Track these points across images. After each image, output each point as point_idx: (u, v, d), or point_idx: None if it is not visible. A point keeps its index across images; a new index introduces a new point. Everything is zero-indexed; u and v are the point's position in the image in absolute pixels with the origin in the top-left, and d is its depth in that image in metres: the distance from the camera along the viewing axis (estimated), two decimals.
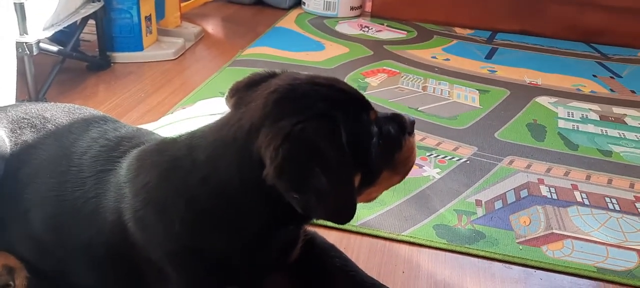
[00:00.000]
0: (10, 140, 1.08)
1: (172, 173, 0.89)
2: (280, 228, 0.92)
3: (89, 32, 2.32)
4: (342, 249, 1.12)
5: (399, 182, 0.97)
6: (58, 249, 1.02)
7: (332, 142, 0.79)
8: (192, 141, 0.91)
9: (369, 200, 0.96)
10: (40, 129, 1.10)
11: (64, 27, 1.95)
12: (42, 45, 1.79)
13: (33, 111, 1.14)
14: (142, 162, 0.95)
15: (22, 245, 1.06)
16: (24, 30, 1.72)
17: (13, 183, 1.04)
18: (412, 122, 0.96)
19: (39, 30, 1.79)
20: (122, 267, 0.97)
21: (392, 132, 0.92)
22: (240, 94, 0.92)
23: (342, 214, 0.83)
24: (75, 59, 2.13)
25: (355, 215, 1.29)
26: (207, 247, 0.88)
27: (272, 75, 0.93)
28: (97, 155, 1.02)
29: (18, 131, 1.09)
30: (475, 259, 1.24)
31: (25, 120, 1.12)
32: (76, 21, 2.04)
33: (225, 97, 0.95)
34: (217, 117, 0.94)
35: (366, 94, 2.00)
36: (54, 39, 2.03)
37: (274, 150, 0.78)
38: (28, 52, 1.71)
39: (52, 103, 1.22)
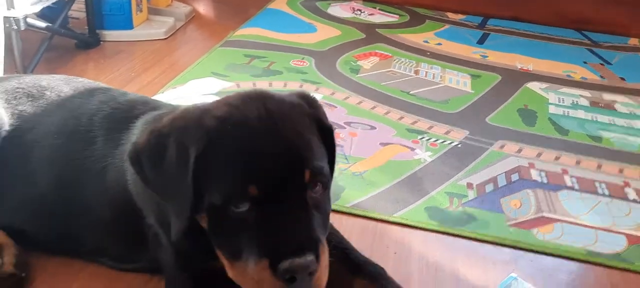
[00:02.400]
0: (7, 110, 1.08)
1: None
2: None
3: (78, 9, 2.29)
4: None
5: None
6: (63, 209, 1.03)
7: (177, 156, 0.79)
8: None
9: (229, 275, 0.82)
10: (39, 97, 1.12)
11: (52, 3, 1.91)
12: (29, 20, 1.76)
13: (28, 81, 1.15)
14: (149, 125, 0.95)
15: (24, 211, 1.06)
16: (11, 5, 1.69)
17: (16, 150, 1.05)
18: (290, 270, 0.73)
19: (27, 5, 1.75)
20: (124, 227, 0.99)
21: (263, 239, 0.75)
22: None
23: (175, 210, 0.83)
24: (63, 36, 2.10)
25: (346, 197, 1.30)
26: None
27: (299, 95, 0.89)
28: (109, 116, 1.04)
29: (14, 101, 1.10)
30: (466, 241, 1.25)
31: (21, 90, 1.12)
32: None
33: None
34: (209, 98, 0.94)
35: (358, 76, 2.02)
36: (41, 16, 1.99)
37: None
38: (15, 27, 1.68)
39: (46, 75, 1.22)
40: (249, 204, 0.75)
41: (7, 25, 1.67)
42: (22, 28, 1.71)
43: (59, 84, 1.15)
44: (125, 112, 1.04)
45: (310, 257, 0.73)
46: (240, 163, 0.76)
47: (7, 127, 1.06)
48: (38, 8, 1.80)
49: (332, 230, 1.07)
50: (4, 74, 1.63)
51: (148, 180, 0.84)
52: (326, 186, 0.83)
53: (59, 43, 2.12)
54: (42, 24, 1.90)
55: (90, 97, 1.10)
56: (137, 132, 0.97)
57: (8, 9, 1.68)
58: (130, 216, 0.95)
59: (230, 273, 0.81)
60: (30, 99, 1.11)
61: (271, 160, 0.76)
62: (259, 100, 0.82)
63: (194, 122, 0.81)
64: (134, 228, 0.96)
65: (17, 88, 1.12)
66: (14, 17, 1.67)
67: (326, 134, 0.87)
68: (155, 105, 1.06)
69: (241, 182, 0.75)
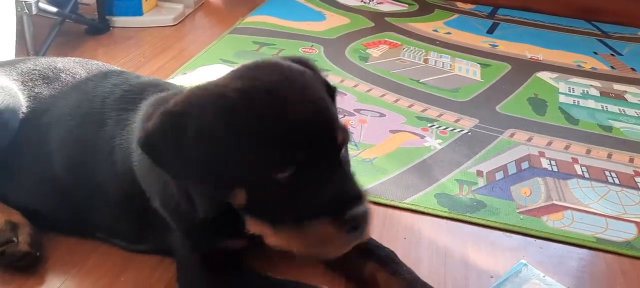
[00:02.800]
0: (23, 92, 1.09)
1: None
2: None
3: None
4: None
5: (297, 255, 0.83)
6: (76, 190, 1.04)
7: (203, 134, 0.77)
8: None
9: (269, 243, 0.84)
10: (54, 79, 1.13)
11: None
12: (41, 5, 1.76)
13: (43, 63, 1.16)
14: (155, 108, 0.95)
15: (39, 193, 1.07)
16: None
17: (32, 132, 1.06)
18: (355, 219, 0.77)
19: None
20: (133, 208, 0.99)
21: (317, 197, 0.77)
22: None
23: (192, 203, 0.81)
24: (73, 22, 2.10)
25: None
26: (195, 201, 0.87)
27: (296, 61, 0.89)
28: (120, 98, 1.04)
29: (30, 83, 1.11)
30: (476, 227, 1.25)
31: (36, 72, 1.13)
32: None
33: None
34: None
35: (368, 64, 2.02)
36: (52, 1, 2.00)
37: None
38: (27, 11, 1.69)
39: (61, 57, 1.23)
40: (294, 168, 0.77)
41: (19, 10, 1.68)
42: (34, 12, 1.71)
43: (74, 67, 1.16)
44: (136, 94, 1.04)
45: (365, 206, 0.78)
46: (280, 129, 0.76)
47: (23, 109, 1.07)
48: None
49: None
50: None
51: (166, 165, 0.82)
52: (347, 144, 0.86)
53: (69, 28, 2.13)
54: (52, 9, 1.91)
55: (104, 79, 1.11)
56: (141, 114, 0.97)
57: None
58: (137, 198, 0.95)
59: (273, 240, 0.82)
60: (45, 81, 1.12)
61: (308, 123, 0.77)
62: (271, 68, 0.82)
63: (214, 97, 0.79)
64: (142, 210, 0.96)
65: (33, 70, 1.13)
66: (25, 1, 1.67)
67: (331, 94, 0.89)
68: (164, 88, 1.06)
69: (285, 147, 0.76)
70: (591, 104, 1.87)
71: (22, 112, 1.07)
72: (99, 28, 2.17)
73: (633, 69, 2.19)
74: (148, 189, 0.94)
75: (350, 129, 1.57)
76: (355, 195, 0.79)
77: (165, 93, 1.01)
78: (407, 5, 2.77)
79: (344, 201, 0.77)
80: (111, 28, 2.22)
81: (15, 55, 1.63)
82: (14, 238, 1.01)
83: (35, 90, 1.10)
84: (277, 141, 0.76)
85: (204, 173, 0.78)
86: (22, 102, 1.08)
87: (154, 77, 1.18)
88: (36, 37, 1.82)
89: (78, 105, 1.06)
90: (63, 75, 1.13)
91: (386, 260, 1.00)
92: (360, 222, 0.78)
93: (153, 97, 1.00)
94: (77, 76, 1.13)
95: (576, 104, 1.86)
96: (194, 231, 0.92)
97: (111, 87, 1.07)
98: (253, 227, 0.84)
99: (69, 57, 1.22)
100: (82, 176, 1.02)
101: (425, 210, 1.28)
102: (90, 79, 1.11)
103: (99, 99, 1.06)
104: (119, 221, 1.03)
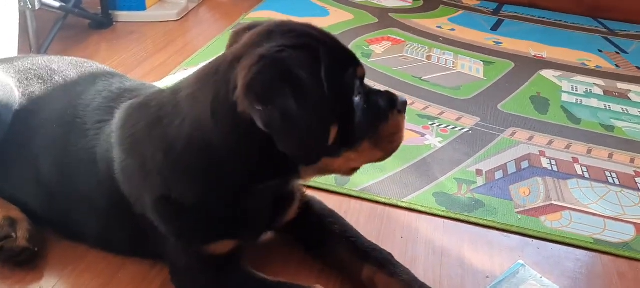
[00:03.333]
0: (19, 90, 1.10)
1: (157, 123, 0.89)
2: (260, 182, 0.89)
3: None
4: (341, 214, 1.13)
5: (381, 159, 0.95)
6: (64, 198, 1.04)
7: (309, 71, 0.79)
8: (176, 85, 0.91)
9: (348, 171, 0.94)
10: (47, 80, 1.12)
11: None
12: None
13: (40, 63, 1.16)
14: (130, 112, 0.96)
15: (29, 193, 1.07)
16: None
17: (23, 131, 1.06)
18: (404, 102, 0.95)
19: None
20: (121, 220, 0.99)
21: (379, 102, 0.91)
22: (238, 36, 0.91)
23: (307, 149, 0.80)
24: (77, 16, 2.11)
25: (355, 181, 1.31)
26: (187, 197, 0.88)
27: (254, 25, 0.91)
28: (99, 106, 1.03)
29: (25, 82, 1.12)
30: (474, 227, 1.25)
31: (32, 71, 1.13)
32: None
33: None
34: None
35: (370, 61, 2.02)
36: None
37: (247, 68, 0.77)
38: (30, 6, 1.70)
39: (58, 56, 1.23)
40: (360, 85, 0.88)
41: (22, 5, 1.69)
42: (37, 7, 1.72)
43: (68, 69, 1.15)
44: (111, 102, 1.03)
45: (399, 94, 0.97)
46: (346, 57, 0.87)
47: (17, 107, 1.07)
48: None
49: (335, 218, 1.09)
50: (18, 54, 1.65)
51: (289, 113, 0.75)
52: None
53: (73, 23, 2.14)
54: (56, 4, 1.92)
55: (91, 85, 1.09)
56: (114, 122, 0.97)
57: None
58: (122, 206, 0.94)
59: (356, 162, 0.92)
60: (40, 82, 1.11)
61: (349, 49, 0.90)
62: (284, 24, 0.87)
63: (296, 56, 0.79)
64: (131, 218, 0.95)
65: (30, 69, 1.13)
66: None
67: None
68: (140, 94, 1.04)
69: (355, 69, 0.86)
70: (594, 102, 1.86)
71: (16, 110, 1.07)
72: (102, 22, 2.18)
73: (638, 68, 2.17)
74: (131, 195, 0.93)
75: None
76: (386, 90, 0.96)
77: (135, 100, 0.99)
78: (411, 1, 2.76)
79: (389, 98, 0.93)
80: (114, 23, 2.23)
81: (18, 51, 1.64)
82: (13, 234, 1.02)
83: (30, 90, 1.10)
84: (348, 67, 0.85)
85: (324, 124, 0.81)
86: (17, 98, 1.07)
87: (139, 82, 1.15)
88: (39, 31, 1.83)
89: (64, 113, 1.05)
90: (56, 78, 1.12)
91: (383, 262, 1.01)
92: (405, 104, 0.96)
93: (125, 104, 0.99)
94: (68, 79, 1.12)
95: (579, 102, 1.85)
96: (184, 232, 0.92)
97: (94, 94, 1.06)
98: (351, 163, 0.92)
99: (66, 57, 1.21)
100: (69, 186, 1.02)
101: (423, 209, 1.29)
102: (79, 84, 1.10)
103: (82, 107, 1.04)
104: (110, 231, 1.03)
